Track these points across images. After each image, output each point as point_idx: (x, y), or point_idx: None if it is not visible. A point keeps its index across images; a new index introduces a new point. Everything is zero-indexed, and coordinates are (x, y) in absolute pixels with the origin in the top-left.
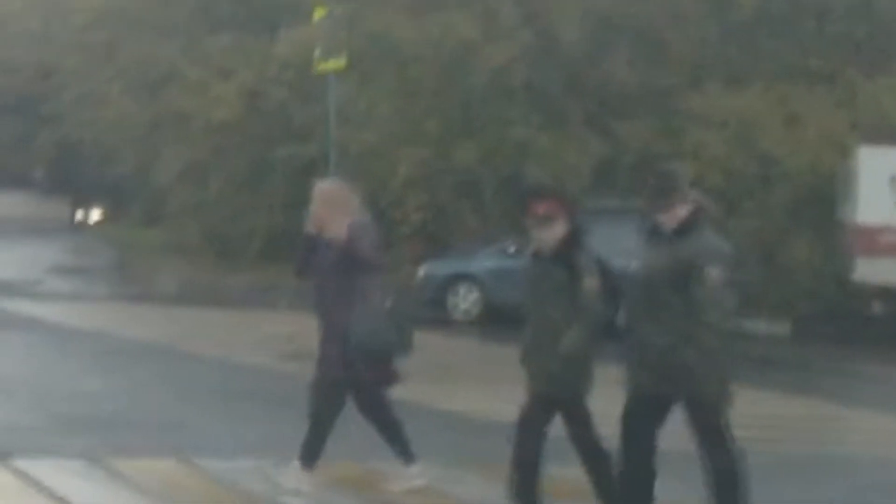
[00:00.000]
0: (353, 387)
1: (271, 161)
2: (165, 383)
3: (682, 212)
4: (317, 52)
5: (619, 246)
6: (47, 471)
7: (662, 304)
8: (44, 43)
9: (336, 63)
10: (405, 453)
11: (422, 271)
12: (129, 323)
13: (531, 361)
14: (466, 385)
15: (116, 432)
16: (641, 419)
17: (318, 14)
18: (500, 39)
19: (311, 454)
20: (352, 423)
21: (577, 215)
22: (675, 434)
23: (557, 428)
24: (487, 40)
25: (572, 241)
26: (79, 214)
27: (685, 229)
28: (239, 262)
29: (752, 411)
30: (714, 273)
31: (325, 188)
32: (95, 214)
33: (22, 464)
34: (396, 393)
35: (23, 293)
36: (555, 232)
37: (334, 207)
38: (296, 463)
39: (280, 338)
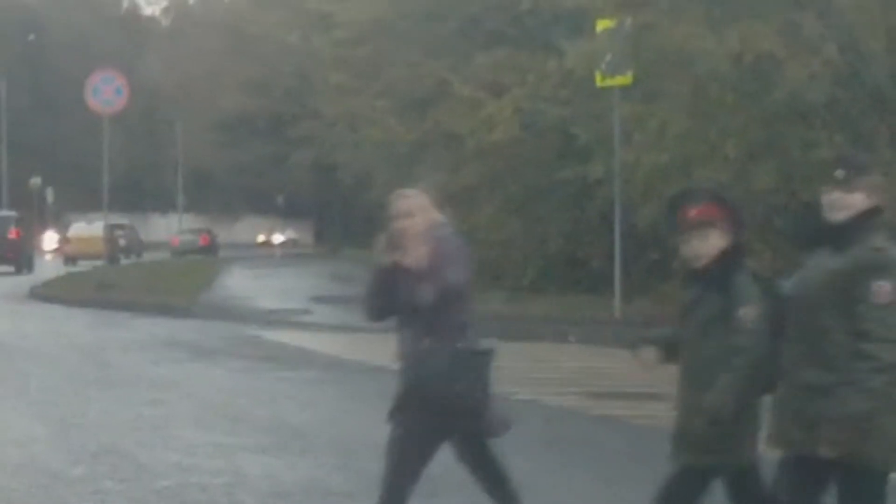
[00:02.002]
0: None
1: (549, 184)
2: (505, 438)
3: (859, 202)
4: (602, 67)
5: None
6: None
7: (821, 332)
8: (302, 59)
9: (622, 79)
10: None
11: None
12: None
13: (678, 417)
14: None
15: (445, 497)
16: (797, 489)
17: (602, 26)
18: (802, 54)
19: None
20: None
21: (743, 229)
22: None
23: None
24: (789, 55)
25: (732, 258)
26: (261, 237)
27: (855, 228)
28: (511, 291)
29: None
30: (884, 289)
31: (409, 196)
32: (279, 237)
33: None
34: None
35: (289, 323)
36: (711, 243)
37: (419, 220)
38: None
39: (584, 374)
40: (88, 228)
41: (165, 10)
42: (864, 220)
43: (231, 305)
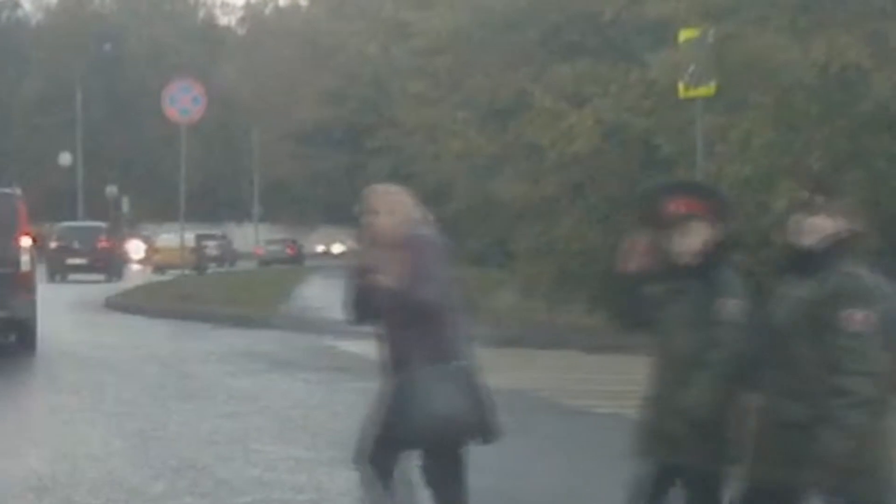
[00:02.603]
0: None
1: (631, 195)
2: (589, 453)
3: (827, 226)
4: (685, 78)
5: None
6: None
7: (794, 363)
8: (379, 68)
9: (706, 90)
10: None
11: None
12: (492, 370)
13: (650, 416)
14: None
15: None
16: None
17: (686, 36)
18: (888, 64)
19: None
20: None
21: (730, 222)
22: None
23: None
24: (875, 65)
25: (718, 251)
26: (320, 247)
27: (824, 252)
28: (592, 303)
29: None
30: (856, 318)
31: (389, 193)
32: (338, 247)
33: None
34: None
35: (364, 334)
36: (697, 236)
37: (397, 219)
38: None
39: None
40: (176, 239)
41: (241, 20)
42: (833, 245)
43: (308, 316)
